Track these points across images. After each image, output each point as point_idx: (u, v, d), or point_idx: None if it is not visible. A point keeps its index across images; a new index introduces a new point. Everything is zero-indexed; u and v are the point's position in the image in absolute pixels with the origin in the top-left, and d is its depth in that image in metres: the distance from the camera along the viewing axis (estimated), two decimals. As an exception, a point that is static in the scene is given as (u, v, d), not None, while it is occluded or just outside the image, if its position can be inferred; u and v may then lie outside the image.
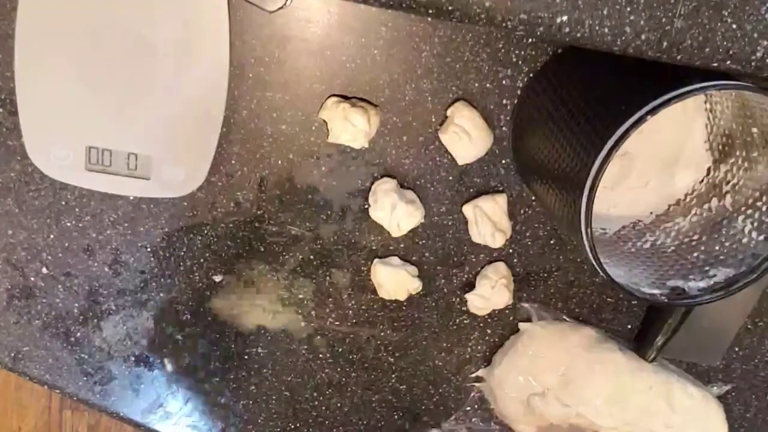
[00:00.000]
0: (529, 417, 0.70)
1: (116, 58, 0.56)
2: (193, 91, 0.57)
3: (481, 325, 0.70)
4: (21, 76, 0.56)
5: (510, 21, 0.45)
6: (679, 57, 0.46)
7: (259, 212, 0.64)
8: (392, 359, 0.70)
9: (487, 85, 0.60)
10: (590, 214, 0.47)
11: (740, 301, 0.69)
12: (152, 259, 0.66)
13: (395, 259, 0.66)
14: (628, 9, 0.45)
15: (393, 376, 0.71)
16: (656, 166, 0.60)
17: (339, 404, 0.72)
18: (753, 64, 0.46)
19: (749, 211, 0.54)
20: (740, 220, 0.54)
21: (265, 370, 0.70)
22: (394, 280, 0.65)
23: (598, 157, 0.46)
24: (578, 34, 0.46)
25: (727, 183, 0.56)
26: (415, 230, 0.65)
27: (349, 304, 0.68)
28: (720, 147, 0.57)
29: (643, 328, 0.70)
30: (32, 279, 0.66)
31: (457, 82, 0.60)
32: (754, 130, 0.52)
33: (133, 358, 0.69)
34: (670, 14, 0.45)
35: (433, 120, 0.62)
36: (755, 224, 0.53)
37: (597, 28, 0.45)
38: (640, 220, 0.60)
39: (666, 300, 0.53)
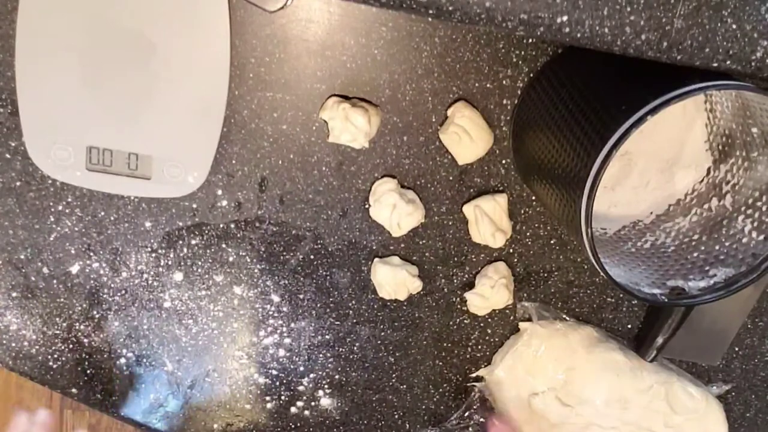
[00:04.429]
0: (530, 417, 0.70)
1: (117, 58, 0.56)
2: (194, 91, 0.57)
3: (482, 325, 0.70)
4: (22, 76, 0.56)
5: (510, 21, 0.45)
6: (679, 57, 0.46)
7: (259, 212, 0.64)
8: (392, 359, 0.70)
9: (488, 85, 0.60)
10: (590, 214, 0.47)
11: (740, 301, 0.69)
12: (153, 259, 0.66)
13: (395, 259, 0.66)
14: (628, 9, 0.45)
15: (393, 376, 0.71)
16: (656, 166, 0.60)
17: (339, 404, 0.72)
18: (753, 64, 0.46)
19: (749, 211, 0.54)
20: (740, 220, 0.54)
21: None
22: (394, 280, 0.65)
23: (598, 157, 0.46)
24: (578, 34, 0.46)
25: (727, 183, 0.56)
26: (416, 230, 0.65)
27: (349, 304, 0.68)
28: (720, 147, 0.57)
29: (643, 328, 0.70)
30: (33, 279, 0.66)
31: (458, 82, 0.60)
32: (754, 130, 0.52)
33: (133, 358, 0.69)
34: (670, 14, 0.45)
35: (434, 120, 0.62)
36: (755, 224, 0.53)
37: (597, 28, 0.45)
38: (640, 220, 0.60)
39: (666, 300, 0.53)
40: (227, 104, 0.58)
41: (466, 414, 0.73)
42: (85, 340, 0.68)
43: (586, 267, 0.68)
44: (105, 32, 0.56)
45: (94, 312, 0.67)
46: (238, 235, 0.65)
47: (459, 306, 0.69)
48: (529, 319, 0.69)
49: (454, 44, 0.59)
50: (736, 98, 0.53)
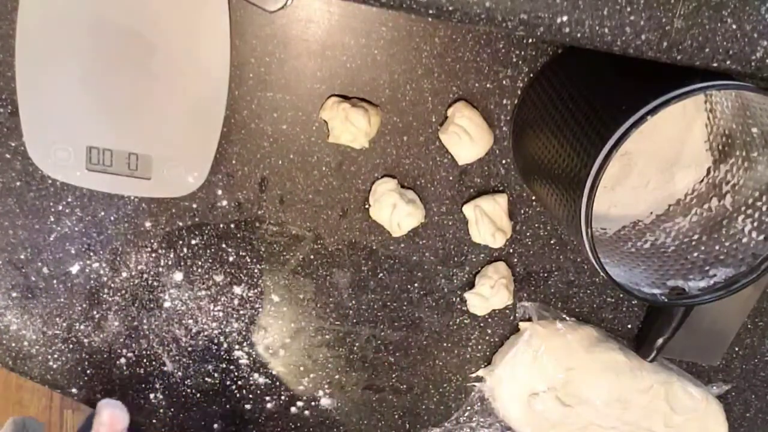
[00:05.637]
0: (530, 417, 0.70)
1: (117, 58, 0.56)
2: (194, 91, 0.57)
3: (481, 325, 0.70)
4: (22, 76, 0.56)
5: (510, 21, 0.45)
6: (679, 57, 0.46)
7: (259, 212, 0.64)
8: (392, 359, 0.70)
9: (488, 85, 0.60)
10: (590, 214, 0.47)
11: (740, 301, 0.69)
12: (153, 259, 0.66)
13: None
14: (628, 9, 0.45)
15: (393, 376, 0.71)
16: (656, 166, 0.60)
17: (339, 404, 0.72)
18: (753, 64, 0.46)
19: (749, 211, 0.54)
20: (740, 220, 0.54)
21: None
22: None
23: (598, 157, 0.46)
24: (578, 34, 0.46)
25: (727, 183, 0.56)
26: (416, 230, 0.65)
27: (349, 304, 0.68)
28: (720, 147, 0.57)
29: (643, 328, 0.70)
30: (33, 279, 0.66)
31: (458, 82, 0.60)
32: (754, 130, 0.52)
33: (133, 358, 0.69)
34: (670, 14, 0.45)
35: (434, 120, 0.62)
36: (755, 224, 0.53)
37: (597, 28, 0.45)
38: (640, 220, 0.61)
39: (666, 300, 0.53)
40: (227, 104, 0.58)
41: (466, 414, 0.73)
42: (85, 340, 0.68)
43: (586, 267, 0.68)
44: (105, 32, 0.56)
45: (94, 312, 0.67)
46: (238, 235, 0.65)
47: (459, 306, 0.69)
48: (529, 319, 0.69)
49: (454, 44, 0.59)
50: (736, 98, 0.53)
